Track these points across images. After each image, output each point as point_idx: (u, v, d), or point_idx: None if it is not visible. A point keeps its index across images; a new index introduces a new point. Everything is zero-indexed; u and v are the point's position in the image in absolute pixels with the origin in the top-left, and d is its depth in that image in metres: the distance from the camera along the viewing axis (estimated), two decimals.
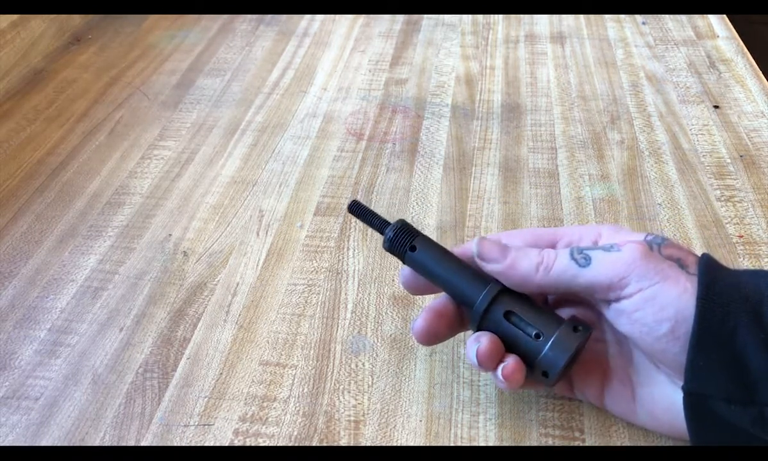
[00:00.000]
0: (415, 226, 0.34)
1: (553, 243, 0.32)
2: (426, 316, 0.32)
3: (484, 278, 0.31)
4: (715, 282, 0.27)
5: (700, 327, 0.26)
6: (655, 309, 0.27)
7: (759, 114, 0.55)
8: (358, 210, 0.34)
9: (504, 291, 0.31)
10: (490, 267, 0.31)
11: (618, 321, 0.29)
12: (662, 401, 0.29)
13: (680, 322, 0.27)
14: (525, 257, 0.30)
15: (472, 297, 0.31)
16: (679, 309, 0.27)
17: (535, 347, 0.30)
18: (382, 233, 0.34)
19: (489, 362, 0.30)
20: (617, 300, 0.28)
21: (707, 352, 0.26)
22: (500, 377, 0.30)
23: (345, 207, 0.46)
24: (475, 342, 0.30)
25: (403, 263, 0.33)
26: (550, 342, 0.29)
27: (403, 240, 0.33)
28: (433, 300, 0.33)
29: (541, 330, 0.30)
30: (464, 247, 0.33)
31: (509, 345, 0.30)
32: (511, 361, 0.30)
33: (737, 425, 0.26)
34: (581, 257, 0.29)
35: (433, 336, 0.32)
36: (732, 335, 0.26)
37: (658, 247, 0.29)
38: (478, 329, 0.31)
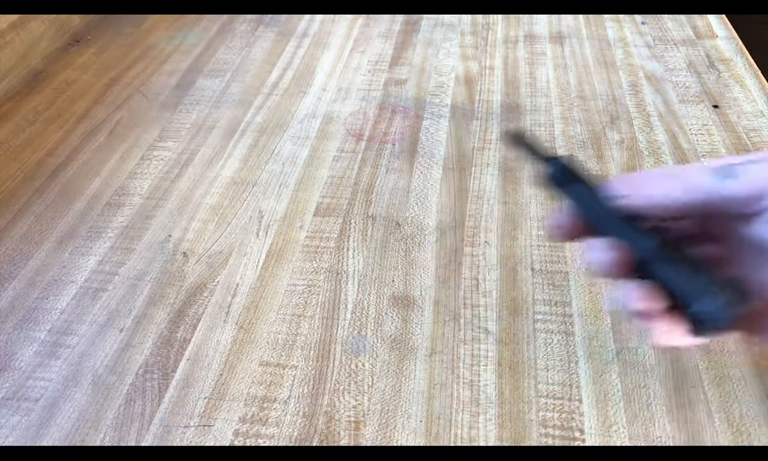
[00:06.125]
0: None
1: None
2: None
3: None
4: None
5: None
6: None
7: (758, 113, 0.55)
8: (519, 140, 0.34)
9: (672, 242, 0.30)
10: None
11: None
12: None
13: None
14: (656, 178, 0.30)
15: (640, 241, 0.30)
16: None
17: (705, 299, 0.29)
18: (544, 163, 0.33)
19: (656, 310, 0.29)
20: (763, 211, 0.27)
21: None
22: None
23: (345, 207, 0.46)
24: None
25: (567, 196, 0.33)
26: (722, 298, 0.29)
27: (572, 173, 0.32)
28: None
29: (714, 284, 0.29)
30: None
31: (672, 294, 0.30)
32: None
33: None
34: (727, 170, 0.29)
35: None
36: None
37: None
38: (639, 276, 0.31)
